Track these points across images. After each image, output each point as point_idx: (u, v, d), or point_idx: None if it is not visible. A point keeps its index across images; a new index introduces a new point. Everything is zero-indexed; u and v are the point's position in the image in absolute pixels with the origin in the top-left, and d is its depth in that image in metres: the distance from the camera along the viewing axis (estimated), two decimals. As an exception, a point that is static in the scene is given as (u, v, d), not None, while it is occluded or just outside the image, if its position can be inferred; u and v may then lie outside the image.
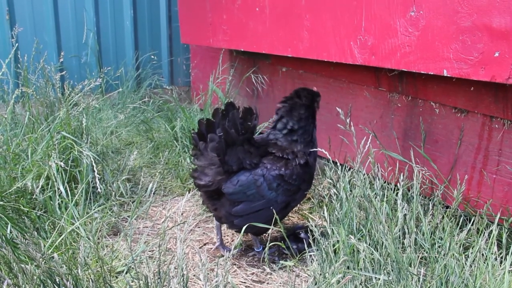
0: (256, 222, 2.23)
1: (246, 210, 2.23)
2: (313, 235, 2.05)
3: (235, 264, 2.38)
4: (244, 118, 2.22)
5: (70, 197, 2.51)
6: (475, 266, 1.79)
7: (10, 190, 2.44)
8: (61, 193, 2.51)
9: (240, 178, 2.22)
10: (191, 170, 2.36)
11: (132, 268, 2.21)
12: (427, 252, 1.93)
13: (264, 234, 2.56)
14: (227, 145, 2.17)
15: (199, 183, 2.27)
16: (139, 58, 5.65)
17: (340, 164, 2.28)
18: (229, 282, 1.92)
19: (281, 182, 2.26)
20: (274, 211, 2.20)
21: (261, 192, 2.22)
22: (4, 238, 2.02)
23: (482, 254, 1.83)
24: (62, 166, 2.53)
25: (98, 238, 2.46)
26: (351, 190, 2.14)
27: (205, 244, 2.58)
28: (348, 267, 1.92)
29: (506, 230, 2.05)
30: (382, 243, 1.89)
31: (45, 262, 1.54)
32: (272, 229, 2.28)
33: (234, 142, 2.20)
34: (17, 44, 3.62)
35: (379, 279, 1.76)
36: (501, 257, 1.87)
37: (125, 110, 4.51)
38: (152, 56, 5.58)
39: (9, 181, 2.54)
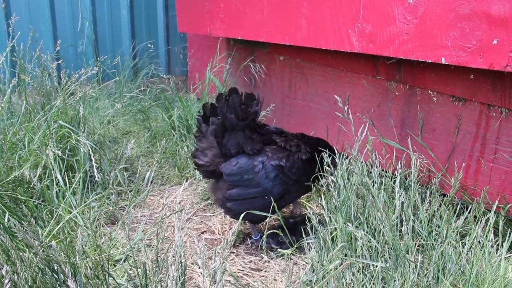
0: (249, 209, 2.23)
1: (241, 195, 2.25)
2: (310, 223, 2.05)
3: (233, 253, 2.39)
4: (246, 104, 2.24)
5: (67, 186, 2.51)
6: (472, 253, 1.80)
7: (8, 179, 2.44)
8: (58, 182, 2.51)
9: (240, 160, 2.24)
10: (193, 149, 2.41)
11: (130, 256, 2.21)
12: (424, 240, 1.94)
13: (262, 223, 2.57)
14: (225, 129, 2.21)
15: (198, 163, 2.32)
16: (135, 47, 5.62)
17: (338, 152, 2.28)
18: (226, 270, 1.93)
19: (280, 173, 2.27)
20: (268, 200, 2.23)
21: (258, 179, 2.22)
22: (1, 226, 2.02)
23: (479, 242, 1.84)
24: (59, 155, 2.52)
25: (96, 227, 2.46)
26: (348, 178, 2.14)
27: (202, 233, 2.59)
28: (345, 255, 1.92)
29: (503, 217, 2.06)
30: (380, 231, 1.89)
31: (43, 250, 1.54)
32: (270, 216, 2.29)
33: (233, 126, 2.22)
34: (13, 33, 3.59)
35: (376, 266, 1.77)
36: (498, 245, 1.88)
37: (122, 99, 4.50)
38: (149, 45, 5.55)
39: (6, 170, 2.53)
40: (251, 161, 2.24)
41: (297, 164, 2.30)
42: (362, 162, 2.19)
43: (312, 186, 2.46)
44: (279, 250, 2.35)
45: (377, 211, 1.89)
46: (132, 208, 2.79)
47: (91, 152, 2.60)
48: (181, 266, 1.58)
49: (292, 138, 2.41)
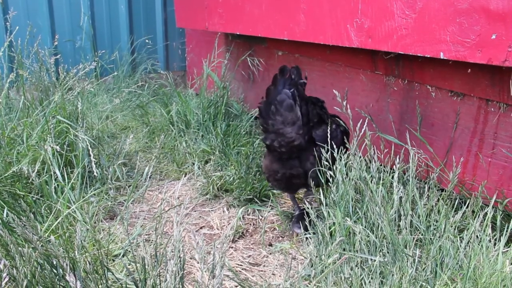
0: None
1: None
2: (309, 218, 2.06)
3: (231, 247, 2.39)
4: (297, 78, 2.34)
5: (66, 181, 2.51)
6: (469, 248, 1.81)
7: (6, 175, 2.44)
8: (57, 177, 2.50)
9: (324, 128, 2.35)
10: (263, 136, 2.41)
11: (129, 251, 2.22)
12: (422, 234, 1.94)
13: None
14: (300, 99, 2.28)
15: (286, 141, 2.28)
16: (134, 43, 5.61)
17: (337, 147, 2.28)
18: (225, 264, 1.93)
19: (344, 140, 2.38)
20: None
21: (334, 145, 2.28)
22: (0, 221, 2.02)
23: (477, 236, 1.85)
24: (58, 150, 2.52)
25: (95, 222, 2.46)
26: (347, 173, 2.14)
27: (201, 228, 2.60)
28: (344, 249, 1.93)
29: (501, 212, 2.07)
30: (378, 225, 1.90)
31: (42, 245, 1.55)
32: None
33: (305, 98, 2.33)
34: (11, 28, 3.58)
35: (374, 260, 1.78)
36: (495, 239, 1.89)
37: (120, 94, 4.49)
38: (147, 41, 5.54)
39: (5, 166, 2.53)
40: (327, 129, 2.32)
41: (347, 133, 2.45)
42: (360, 157, 2.19)
43: None
44: (278, 244, 2.36)
45: (376, 206, 1.90)
46: (131, 203, 2.79)
47: (89, 147, 2.60)
48: (180, 260, 1.58)
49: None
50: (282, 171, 2.40)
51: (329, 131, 2.27)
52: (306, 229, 2.35)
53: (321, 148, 2.25)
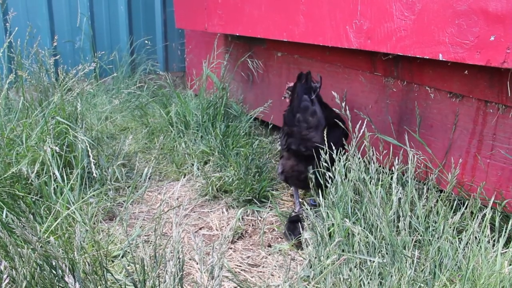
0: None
1: None
2: (308, 219, 2.06)
3: (230, 248, 2.39)
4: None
5: (65, 182, 2.51)
6: (468, 249, 1.81)
7: (5, 175, 2.44)
8: (56, 178, 2.51)
9: (335, 130, 2.44)
10: (290, 142, 2.49)
11: (128, 252, 2.22)
12: (421, 235, 1.94)
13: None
14: (320, 104, 2.39)
15: (314, 145, 2.37)
16: (133, 43, 5.61)
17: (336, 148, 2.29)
18: (224, 265, 1.93)
19: (344, 141, 2.45)
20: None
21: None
22: (0, 222, 2.02)
23: (475, 237, 1.85)
24: (57, 151, 2.52)
25: (94, 223, 2.46)
26: (346, 174, 2.15)
27: (200, 229, 2.60)
28: (343, 250, 1.93)
29: (499, 213, 2.07)
30: (377, 226, 1.90)
31: (41, 246, 1.55)
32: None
33: (323, 103, 2.45)
34: (11, 29, 3.58)
35: (373, 261, 1.78)
36: (494, 240, 1.89)
37: (119, 95, 4.50)
38: (147, 41, 5.54)
39: (4, 167, 2.53)
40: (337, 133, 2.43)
41: (346, 134, 2.51)
42: (359, 158, 2.19)
43: None
44: (277, 245, 2.36)
45: (374, 207, 1.90)
46: (130, 204, 2.79)
47: (89, 148, 2.60)
48: (179, 261, 1.58)
49: None
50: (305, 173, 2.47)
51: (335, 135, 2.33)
52: (299, 233, 2.36)
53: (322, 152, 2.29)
